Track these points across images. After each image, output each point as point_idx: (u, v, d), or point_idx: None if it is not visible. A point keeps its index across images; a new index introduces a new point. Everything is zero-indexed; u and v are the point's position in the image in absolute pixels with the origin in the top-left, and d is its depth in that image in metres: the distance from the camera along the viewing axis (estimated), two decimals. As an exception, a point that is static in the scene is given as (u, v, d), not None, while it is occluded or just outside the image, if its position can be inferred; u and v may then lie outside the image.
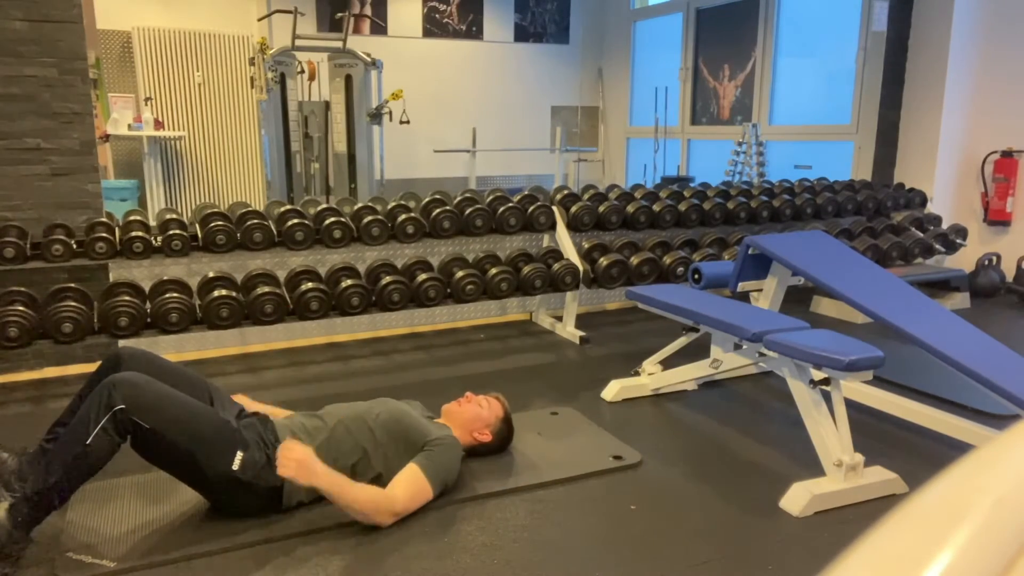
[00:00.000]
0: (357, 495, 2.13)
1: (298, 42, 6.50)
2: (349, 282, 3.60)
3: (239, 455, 2.10)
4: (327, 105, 6.79)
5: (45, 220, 3.54)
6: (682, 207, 4.62)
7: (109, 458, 2.01)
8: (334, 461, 2.27)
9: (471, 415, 2.55)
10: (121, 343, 3.33)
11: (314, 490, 2.28)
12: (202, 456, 2.07)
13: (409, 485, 2.21)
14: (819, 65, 6.51)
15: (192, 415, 2.10)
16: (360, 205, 4.12)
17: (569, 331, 4.21)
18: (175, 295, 3.35)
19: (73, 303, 3.25)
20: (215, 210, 3.78)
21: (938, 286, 4.88)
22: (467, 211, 4.10)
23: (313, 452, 2.13)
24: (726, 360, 2.95)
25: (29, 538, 1.99)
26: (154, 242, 3.59)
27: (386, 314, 3.98)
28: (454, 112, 8.16)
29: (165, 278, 3.50)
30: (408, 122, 7.07)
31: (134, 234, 3.54)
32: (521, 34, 8.50)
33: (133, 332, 3.29)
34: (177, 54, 6.79)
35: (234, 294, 3.42)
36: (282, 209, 3.93)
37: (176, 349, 3.76)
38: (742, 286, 3.40)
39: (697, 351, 3.21)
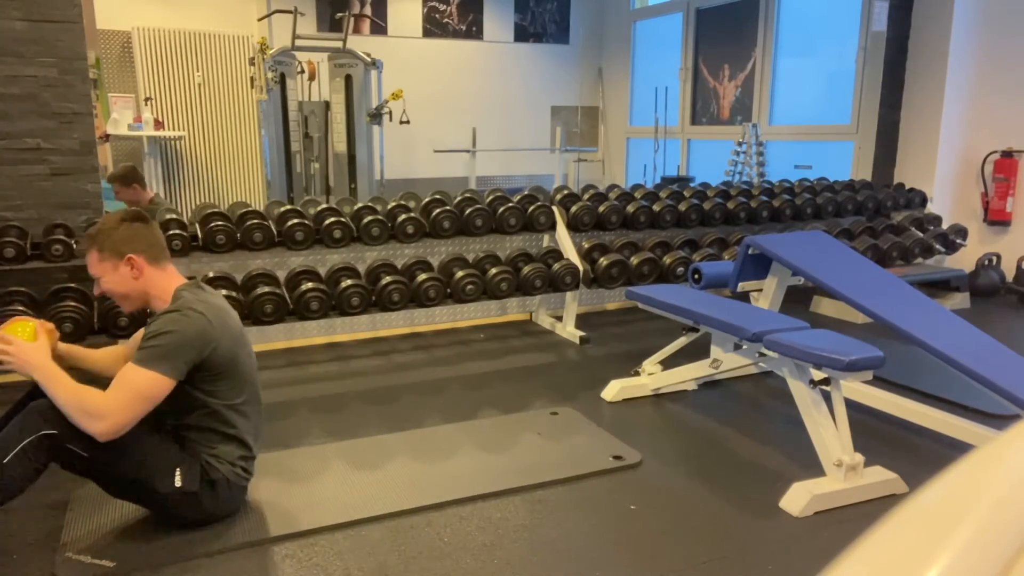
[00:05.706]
0: (60, 391, 1.91)
1: (298, 42, 6.50)
2: (349, 282, 3.61)
3: (177, 472, 2.06)
4: (327, 105, 6.78)
5: (45, 220, 3.54)
6: (682, 207, 4.62)
7: (28, 484, 1.93)
8: None
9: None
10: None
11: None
12: (147, 478, 2.03)
13: (117, 383, 1.95)
14: (819, 65, 6.50)
15: (127, 442, 1.97)
16: (360, 205, 4.12)
17: (569, 331, 4.21)
18: (175, 295, 3.35)
19: (73, 303, 3.25)
20: (215, 210, 3.78)
21: (938, 286, 4.88)
22: (467, 211, 4.10)
23: (38, 346, 1.98)
24: (726, 360, 2.95)
25: None
26: (154, 242, 3.59)
27: (386, 314, 3.97)
28: (454, 112, 8.16)
29: (165, 278, 3.50)
30: (408, 122, 7.07)
31: (134, 234, 3.53)
32: (521, 34, 8.50)
33: (133, 332, 3.28)
34: (177, 54, 6.79)
35: (234, 294, 3.42)
36: (282, 209, 3.93)
37: (176, 349, 3.76)
38: (742, 286, 3.40)
39: (697, 351, 3.21)
